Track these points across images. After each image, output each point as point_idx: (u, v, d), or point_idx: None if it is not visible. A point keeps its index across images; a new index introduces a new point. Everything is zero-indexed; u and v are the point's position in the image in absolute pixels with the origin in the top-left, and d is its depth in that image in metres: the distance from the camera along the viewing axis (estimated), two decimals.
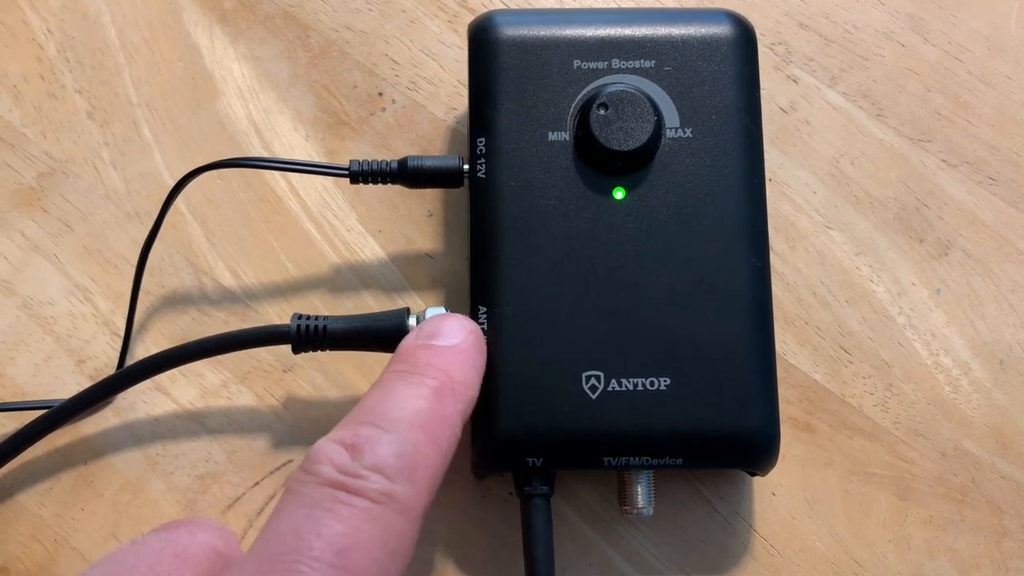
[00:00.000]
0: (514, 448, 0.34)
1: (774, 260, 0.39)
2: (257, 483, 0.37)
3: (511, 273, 0.34)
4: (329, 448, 0.27)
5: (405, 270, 0.39)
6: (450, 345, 0.32)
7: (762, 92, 0.40)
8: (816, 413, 0.38)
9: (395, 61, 0.41)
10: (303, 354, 0.38)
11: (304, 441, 0.37)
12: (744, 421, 0.34)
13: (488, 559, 0.36)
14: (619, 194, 0.35)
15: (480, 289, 0.35)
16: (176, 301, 0.39)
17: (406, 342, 0.32)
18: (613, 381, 0.34)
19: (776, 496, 0.37)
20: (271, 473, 0.37)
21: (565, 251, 0.34)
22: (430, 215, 0.40)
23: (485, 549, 0.37)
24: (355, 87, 0.41)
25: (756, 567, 0.36)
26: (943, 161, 0.40)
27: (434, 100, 0.41)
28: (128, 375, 0.36)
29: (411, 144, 0.40)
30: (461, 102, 0.40)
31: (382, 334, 0.35)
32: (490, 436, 0.34)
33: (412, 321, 0.35)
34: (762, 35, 0.41)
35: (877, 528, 0.37)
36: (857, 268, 0.39)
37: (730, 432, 0.34)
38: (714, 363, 0.34)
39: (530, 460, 0.34)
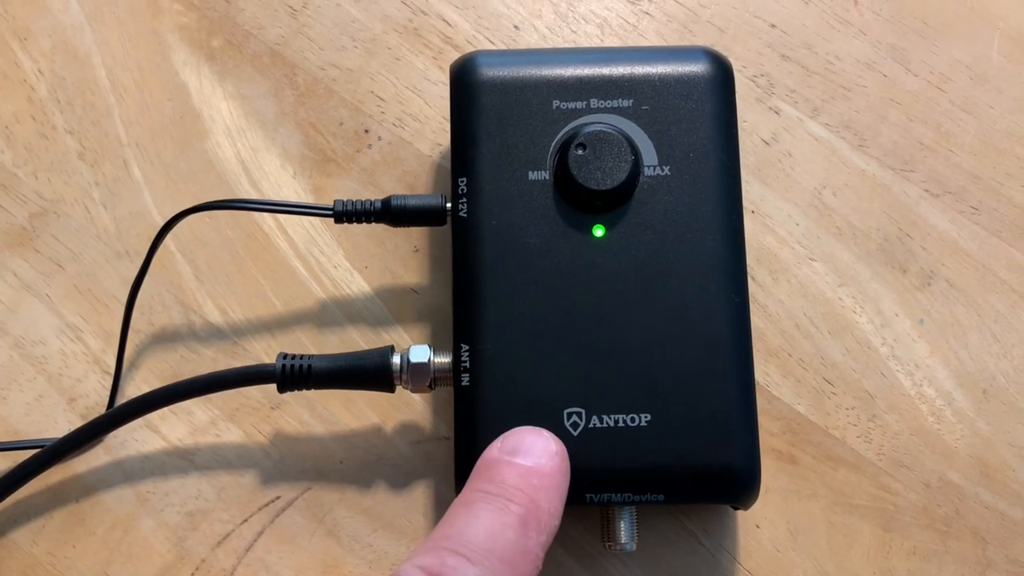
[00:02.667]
0: None
1: (757, 292, 0.39)
2: (246, 520, 0.37)
3: (493, 311, 0.35)
4: None
5: (391, 305, 0.40)
6: (536, 467, 0.31)
7: (744, 124, 0.41)
8: (799, 445, 0.38)
9: (381, 98, 0.42)
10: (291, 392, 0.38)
11: (291, 477, 0.38)
12: (725, 456, 0.34)
13: None
14: (599, 232, 0.35)
15: (463, 327, 0.35)
16: (165, 339, 0.39)
17: (489, 454, 0.31)
18: (594, 418, 0.34)
19: (760, 528, 0.37)
20: (259, 510, 0.38)
21: (546, 288, 0.35)
22: (416, 250, 0.40)
23: None
24: (341, 124, 0.41)
25: None
26: (926, 191, 0.41)
27: (420, 136, 0.41)
28: (118, 415, 0.36)
29: (397, 180, 0.41)
30: (447, 138, 0.41)
31: (366, 372, 0.35)
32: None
33: (396, 359, 0.35)
34: (744, 67, 0.42)
35: (861, 560, 0.37)
36: (840, 299, 0.40)
37: (711, 467, 0.34)
38: (694, 398, 0.34)
39: None
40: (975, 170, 0.41)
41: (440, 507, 0.38)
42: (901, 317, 0.39)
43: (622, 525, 0.35)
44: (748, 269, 0.39)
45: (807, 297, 0.40)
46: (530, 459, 0.31)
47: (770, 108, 0.41)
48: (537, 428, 0.32)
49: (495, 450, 0.31)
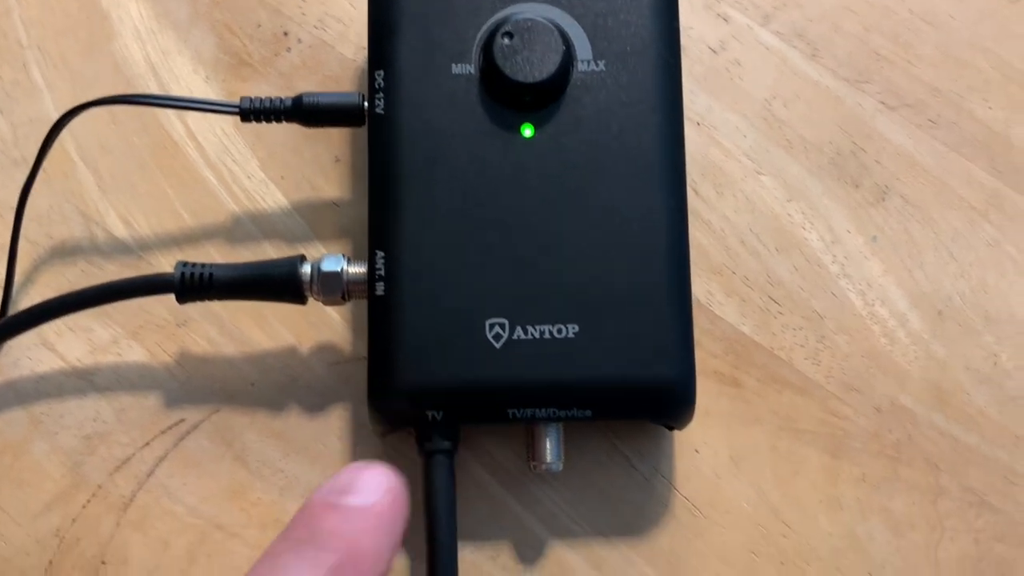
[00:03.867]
0: (413, 401, 0.32)
1: (700, 207, 0.37)
2: (147, 443, 0.35)
3: (411, 215, 0.32)
4: None
5: (309, 219, 0.37)
6: (363, 507, 0.26)
7: (691, 31, 0.38)
8: (743, 367, 0.36)
9: None
10: (198, 308, 0.36)
11: (198, 399, 0.35)
12: (657, 370, 0.31)
13: None
14: (527, 131, 0.33)
15: (378, 232, 0.32)
16: (64, 252, 0.37)
17: (313, 496, 0.27)
18: (519, 329, 0.31)
19: (699, 453, 0.35)
20: (162, 433, 0.35)
21: (469, 191, 0.32)
22: (337, 161, 0.37)
23: None
24: (259, 26, 0.39)
25: (677, 528, 0.34)
26: (882, 103, 0.38)
27: (343, 39, 0.38)
28: (3, 327, 0.33)
29: (318, 86, 0.38)
30: None
31: (274, 282, 0.33)
32: (387, 389, 0.32)
33: (306, 269, 0.33)
34: None
35: (807, 487, 0.35)
36: (788, 215, 0.37)
37: (642, 382, 0.31)
38: (626, 309, 0.32)
39: (430, 414, 0.31)
40: (934, 83, 0.38)
41: (357, 432, 0.35)
42: (853, 234, 0.37)
43: (548, 443, 0.32)
44: (692, 183, 0.37)
45: (754, 212, 0.37)
46: (359, 498, 0.26)
47: (718, 15, 0.39)
48: (374, 463, 0.27)
49: (321, 491, 0.27)
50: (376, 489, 0.27)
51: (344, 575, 0.25)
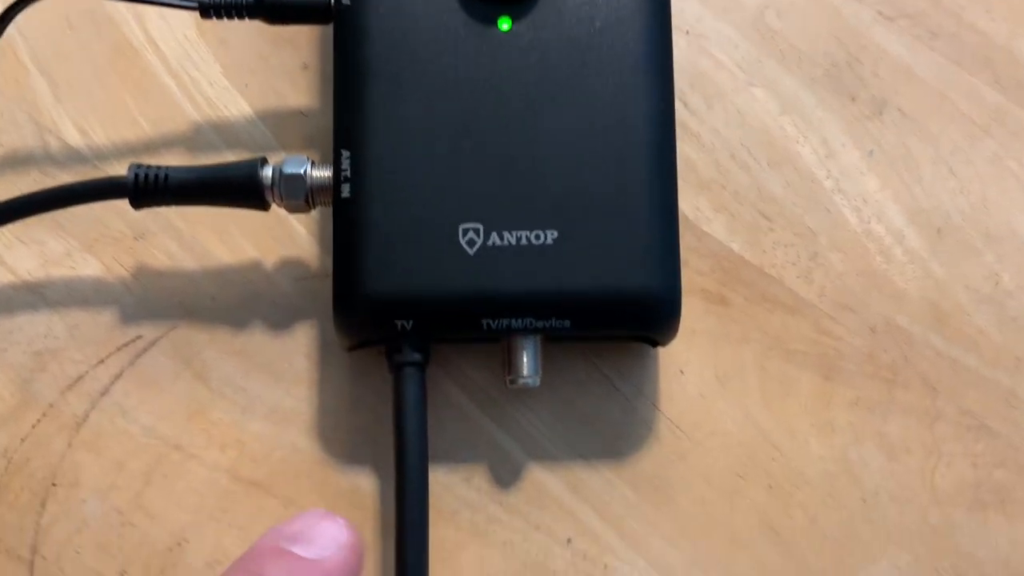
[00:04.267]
0: (381, 311, 0.30)
1: (689, 119, 0.35)
2: (101, 361, 0.33)
3: (379, 111, 0.30)
4: None
5: (275, 128, 0.35)
6: (317, 560, 0.25)
7: None
8: (731, 284, 0.34)
9: None
10: (157, 220, 0.34)
11: (156, 315, 0.33)
12: (640, 280, 0.30)
13: (363, 442, 0.32)
14: (504, 24, 0.31)
15: (343, 130, 0.30)
16: (16, 162, 0.35)
17: (263, 539, 0.25)
18: (494, 235, 0.30)
19: (684, 374, 0.33)
20: (118, 350, 0.33)
21: (441, 88, 0.30)
22: (305, 67, 0.35)
23: (360, 432, 0.33)
24: None
25: (660, 450, 0.33)
26: (879, 13, 0.36)
27: None
28: None
29: None
30: None
31: (233, 185, 0.31)
32: (354, 298, 0.30)
33: (267, 172, 0.31)
34: None
35: (797, 410, 0.33)
36: (781, 128, 0.35)
37: (624, 292, 0.30)
38: (607, 215, 0.30)
39: (399, 323, 0.30)
40: None
41: (324, 349, 0.33)
42: (848, 148, 0.35)
43: (524, 356, 0.30)
44: (681, 95, 0.35)
45: (745, 126, 0.35)
46: (312, 550, 0.25)
47: None
48: (331, 513, 0.26)
49: (272, 533, 0.25)
50: (330, 543, 0.25)
51: None
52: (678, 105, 0.34)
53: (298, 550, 0.24)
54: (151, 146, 0.35)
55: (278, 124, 0.35)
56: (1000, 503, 0.33)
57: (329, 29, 0.32)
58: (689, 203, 0.34)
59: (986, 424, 0.33)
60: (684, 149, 0.35)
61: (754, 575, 0.32)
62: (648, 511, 0.32)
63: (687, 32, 0.36)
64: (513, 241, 0.30)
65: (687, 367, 0.33)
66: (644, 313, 0.30)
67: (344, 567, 0.25)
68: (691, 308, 0.33)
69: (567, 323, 0.30)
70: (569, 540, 0.32)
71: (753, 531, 0.32)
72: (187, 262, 0.34)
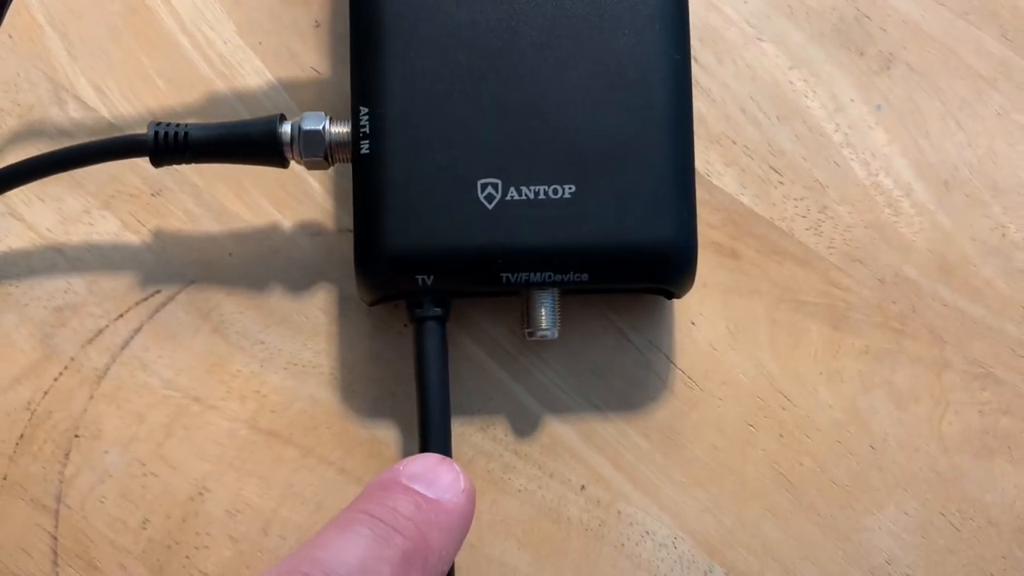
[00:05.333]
0: (402, 266, 0.30)
1: (700, 74, 0.35)
2: (121, 315, 0.33)
3: (396, 66, 0.30)
4: None
5: (288, 86, 0.35)
6: (438, 500, 0.26)
7: None
8: (742, 237, 0.34)
9: None
10: (174, 177, 0.34)
11: (173, 271, 0.33)
12: (657, 232, 0.30)
13: (381, 395, 0.33)
14: None
15: (362, 87, 0.31)
16: (33, 120, 0.35)
17: (386, 474, 0.26)
18: (512, 189, 0.30)
19: (696, 326, 0.34)
20: (137, 304, 0.33)
21: (459, 42, 0.30)
22: (317, 25, 0.35)
23: (378, 384, 0.33)
24: None
25: (673, 401, 0.33)
26: None
27: None
28: None
29: None
30: None
31: (252, 141, 0.31)
32: (375, 254, 0.30)
33: (286, 128, 0.31)
34: None
35: (807, 360, 0.34)
36: (791, 82, 0.36)
37: (641, 244, 0.30)
38: (625, 169, 0.30)
39: (420, 278, 0.30)
40: None
41: (341, 304, 0.33)
42: (857, 102, 0.35)
43: (543, 310, 0.31)
44: (691, 50, 0.35)
45: (755, 80, 0.36)
46: (433, 490, 0.26)
47: None
48: (448, 459, 0.28)
49: (395, 471, 0.26)
50: (450, 487, 0.26)
51: (412, 564, 0.24)
52: None
53: (420, 488, 0.26)
54: (166, 104, 0.35)
55: (291, 81, 0.35)
56: (1007, 449, 0.33)
57: None
58: (700, 157, 0.35)
59: (992, 373, 0.34)
60: (695, 104, 0.35)
61: (764, 521, 0.33)
62: (660, 459, 0.33)
63: None
64: (531, 195, 0.30)
65: (698, 319, 0.34)
66: (661, 265, 0.30)
67: (464, 512, 0.26)
68: (703, 261, 0.34)
69: (585, 276, 0.30)
70: (583, 487, 0.33)
71: (764, 478, 0.33)
72: (204, 219, 0.34)
